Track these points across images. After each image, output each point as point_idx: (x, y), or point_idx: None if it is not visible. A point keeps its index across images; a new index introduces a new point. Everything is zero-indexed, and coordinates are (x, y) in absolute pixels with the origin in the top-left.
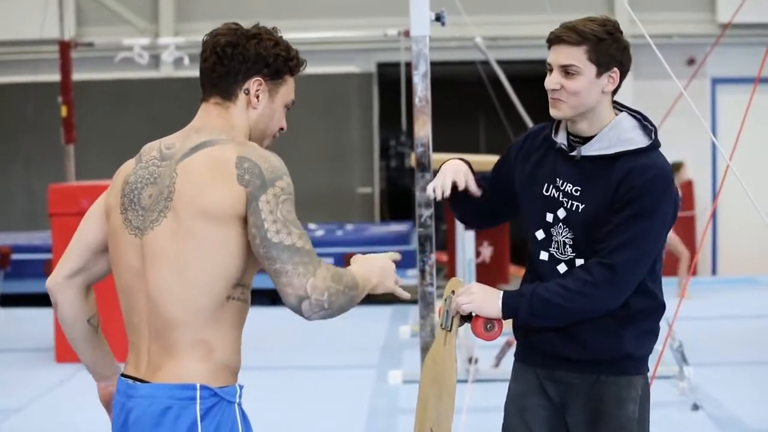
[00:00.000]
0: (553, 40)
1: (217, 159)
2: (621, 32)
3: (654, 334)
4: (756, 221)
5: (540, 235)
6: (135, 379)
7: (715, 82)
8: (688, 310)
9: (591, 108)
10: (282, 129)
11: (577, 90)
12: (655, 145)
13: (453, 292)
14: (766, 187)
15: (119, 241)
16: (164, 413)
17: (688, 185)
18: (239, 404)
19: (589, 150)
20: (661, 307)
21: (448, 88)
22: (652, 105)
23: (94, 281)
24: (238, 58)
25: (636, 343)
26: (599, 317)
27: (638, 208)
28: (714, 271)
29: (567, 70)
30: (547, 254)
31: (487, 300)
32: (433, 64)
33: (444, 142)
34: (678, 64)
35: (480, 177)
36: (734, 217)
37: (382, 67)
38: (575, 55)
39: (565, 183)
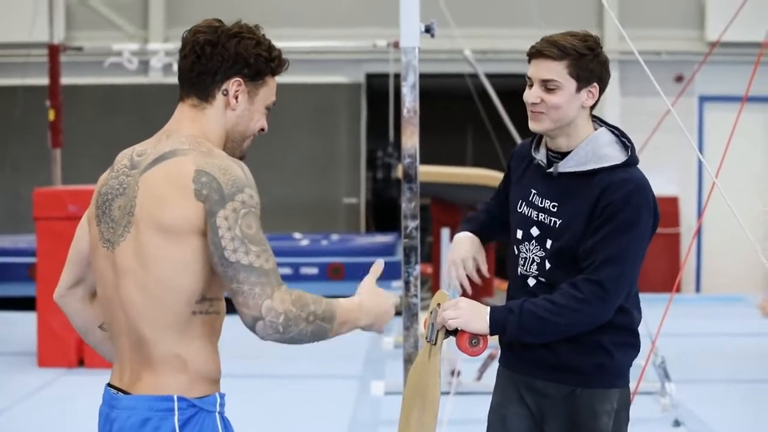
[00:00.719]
0: (534, 54)
1: (175, 173)
2: (601, 47)
3: (631, 346)
4: (741, 239)
5: (515, 251)
6: (118, 389)
7: (703, 99)
8: (671, 327)
9: (570, 122)
10: (263, 130)
11: (557, 104)
12: (631, 161)
13: (439, 305)
14: (752, 205)
15: (96, 252)
16: (144, 424)
17: (674, 202)
18: (221, 413)
19: (564, 166)
20: (636, 322)
21: (436, 101)
22: (640, 121)
23: None
24: (218, 58)
25: (609, 355)
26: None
27: (620, 222)
28: (698, 289)
29: (547, 85)
30: (519, 270)
31: (475, 315)
32: (423, 76)
33: (432, 154)
34: (666, 81)
35: (483, 207)
36: (719, 234)
37: (370, 78)
38: (556, 70)
39: (543, 199)
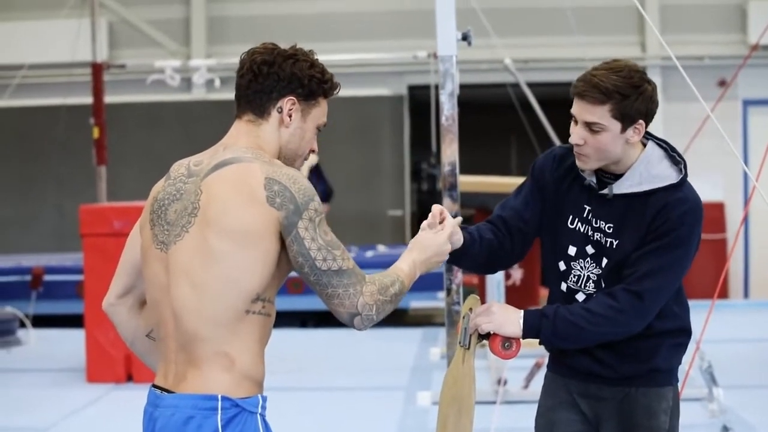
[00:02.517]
0: (578, 94)
1: (243, 178)
2: (647, 82)
3: (682, 346)
4: None
5: (562, 266)
6: (162, 389)
7: (747, 103)
8: (719, 332)
9: (618, 157)
10: (313, 151)
11: (601, 146)
12: (685, 178)
13: (471, 309)
14: None
15: (148, 256)
16: (187, 422)
17: (719, 208)
18: (262, 415)
19: (620, 188)
20: (687, 331)
21: (479, 111)
22: (684, 127)
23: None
24: (274, 77)
25: (664, 359)
26: (625, 342)
27: (672, 239)
28: (746, 294)
29: (592, 127)
30: (565, 285)
31: (507, 319)
32: (464, 86)
33: (475, 164)
34: (709, 85)
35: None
36: (767, 239)
37: (413, 89)
38: (599, 114)
39: (597, 219)
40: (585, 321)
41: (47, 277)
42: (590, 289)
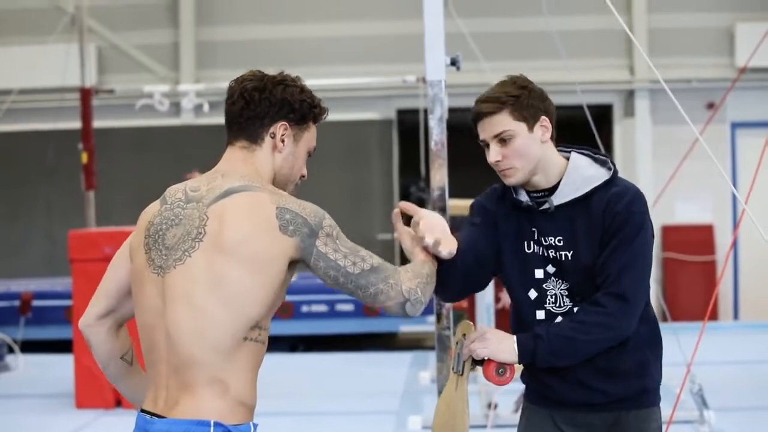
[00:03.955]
0: (476, 117)
1: (255, 206)
2: (530, 82)
3: (661, 357)
4: None
5: (533, 294)
6: (152, 414)
7: (735, 126)
8: (709, 354)
9: (538, 161)
10: (303, 177)
11: (519, 152)
12: (616, 173)
13: (464, 335)
14: None
15: (142, 280)
16: None
17: (709, 230)
18: None
19: (559, 198)
20: (661, 340)
21: (467, 135)
22: (673, 150)
23: (125, 321)
24: (266, 103)
25: (652, 378)
26: (615, 362)
27: (628, 231)
28: (736, 316)
29: (502, 137)
30: (543, 312)
31: (502, 345)
32: (452, 110)
33: (465, 187)
34: (697, 108)
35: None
36: (756, 261)
37: (401, 113)
38: (502, 122)
39: (546, 237)
40: (577, 332)
41: (36, 303)
42: (566, 306)
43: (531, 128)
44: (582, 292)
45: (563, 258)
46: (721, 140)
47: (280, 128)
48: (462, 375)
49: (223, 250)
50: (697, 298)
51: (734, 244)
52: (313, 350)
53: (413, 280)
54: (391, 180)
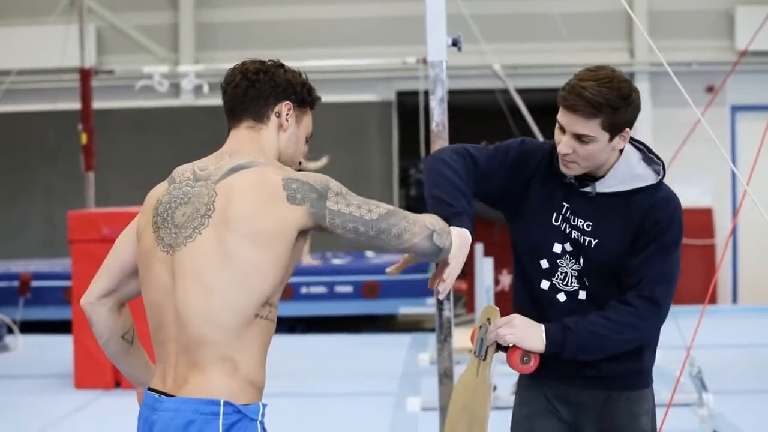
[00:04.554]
0: (566, 108)
1: (262, 181)
2: (634, 90)
3: (655, 345)
4: None
5: (545, 264)
6: (161, 392)
7: (735, 109)
8: (708, 338)
9: (603, 163)
10: (300, 163)
11: (590, 155)
12: (663, 178)
13: (489, 320)
14: None
15: (150, 259)
16: (187, 426)
17: (708, 213)
18: (262, 422)
19: (603, 187)
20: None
21: (467, 117)
22: (672, 133)
23: (127, 300)
24: (270, 83)
25: (648, 359)
26: None
27: (668, 239)
28: (735, 299)
29: (581, 139)
30: (548, 283)
31: (530, 332)
32: (452, 92)
33: None
34: (697, 91)
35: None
36: (755, 245)
37: (401, 95)
38: (590, 127)
39: (576, 217)
40: (608, 330)
41: (35, 283)
42: (573, 286)
43: (612, 138)
44: (592, 279)
45: (586, 243)
46: (721, 123)
47: (284, 107)
48: (485, 360)
49: (231, 226)
50: (696, 282)
51: (734, 228)
52: (312, 332)
53: (430, 216)
54: (391, 162)
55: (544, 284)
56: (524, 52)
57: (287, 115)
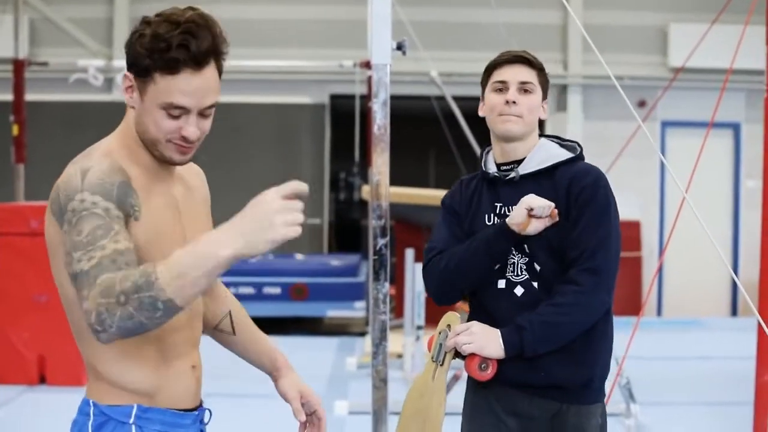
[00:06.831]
0: (512, 59)
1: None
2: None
3: (610, 356)
4: (700, 264)
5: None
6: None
7: (665, 125)
8: (634, 350)
9: (533, 129)
10: (183, 137)
11: (532, 107)
12: (581, 155)
13: (449, 326)
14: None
15: None
16: (74, 424)
17: (636, 226)
18: (138, 425)
19: (525, 168)
20: (612, 330)
21: (400, 123)
22: (603, 146)
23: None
24: (127, 54)
25: (601, 369)
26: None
27: (597, 206)
28: (659, 312)
29: (525, 88)
30: (504, 281)
31: (488, 340)
32: (390, 97)
33: (395, 176)
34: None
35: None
36: (679, 258)
37: (335, 98)
38: (531, 75)
39: (510, 207)
40: (559, 315)
41: None
42: (523, 275)
43: (542, 99)
44: (542, 264)
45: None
46: (652, 138)
47: (124, 80)
48: (442, 366)
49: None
50: (621, 294)
51: (662, 241)
52: None
53: (95, 301)
54: (323, 165)
55: (501, 283)
56: (461, 60)
57: (129, 88)
